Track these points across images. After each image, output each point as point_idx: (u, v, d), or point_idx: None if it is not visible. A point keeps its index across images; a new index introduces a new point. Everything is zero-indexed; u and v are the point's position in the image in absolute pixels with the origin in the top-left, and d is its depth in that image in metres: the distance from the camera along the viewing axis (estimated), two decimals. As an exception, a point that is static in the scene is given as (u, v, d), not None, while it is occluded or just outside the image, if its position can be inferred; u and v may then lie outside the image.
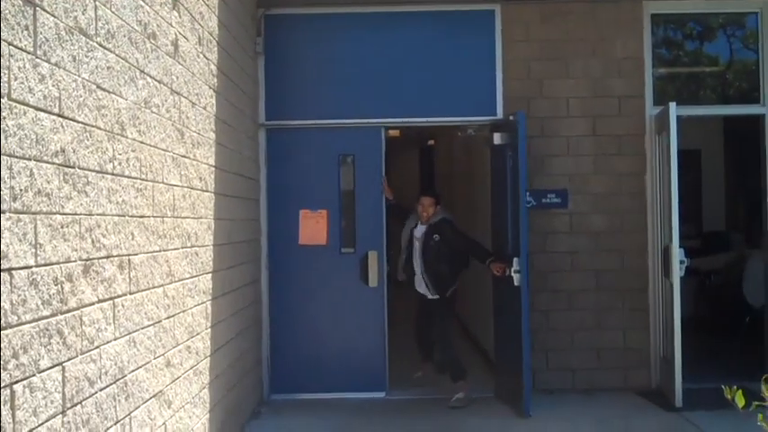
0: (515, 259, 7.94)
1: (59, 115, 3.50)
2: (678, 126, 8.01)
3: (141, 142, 4.62)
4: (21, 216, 3.14)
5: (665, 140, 8.24)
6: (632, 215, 8.92)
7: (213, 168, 6.42)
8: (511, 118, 8.24)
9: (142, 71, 4.64)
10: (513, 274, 7.95)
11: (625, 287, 8.90)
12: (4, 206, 3.02)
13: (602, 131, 8.94)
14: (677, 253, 7.97)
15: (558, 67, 8.95)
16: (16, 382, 3.10)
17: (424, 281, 8.57)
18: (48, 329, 3.38)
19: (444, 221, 8.57)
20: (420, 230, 8.64)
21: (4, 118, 3.01)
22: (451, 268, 8.54)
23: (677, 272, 7.97)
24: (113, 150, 4.17)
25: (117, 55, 4.22)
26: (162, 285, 5.01)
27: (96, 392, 3.91)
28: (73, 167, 3.64)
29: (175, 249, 5.32)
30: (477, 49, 8.96)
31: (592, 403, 8.34)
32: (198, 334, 5.89)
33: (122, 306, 4.29)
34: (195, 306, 5.82)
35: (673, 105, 8.05)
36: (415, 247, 8.67)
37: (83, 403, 3.74)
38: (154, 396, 4.81)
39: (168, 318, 5.13)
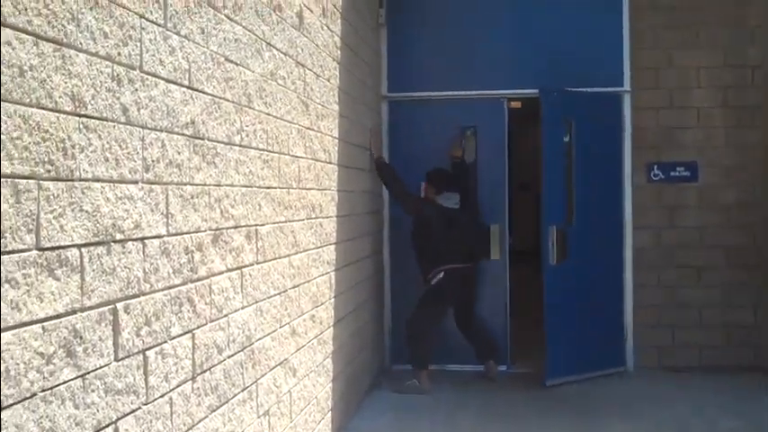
0: None
1: (189, 87, 3.56)
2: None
3: (267, 114, 4.67)
4: (153, 186, 3.21)
5: (801, 111, 7.92)
6: (764, 188, 8.58)
7: (337, 140, 6.46)
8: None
9: (268, 43, 4.68)
10: None
11: (756, 263, 8.59)
12: (138, 176, 3.09)
13: (734, 102, 8.63)
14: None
15: (688, 35, 8.66)
16: (149, 348, 3.18)
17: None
18: (179, 297, 3.46)
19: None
20: None
21: (137, 90, 3.08)
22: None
23: (814, 247, 7.66)
24: (241, 122, 4.23)
25: (244, 27, 4.26)
26: (288, 255, 5.07)
27: (225, 359, 3.99)
28: (202, 139, 3.71)
29: (300, 220, 5.38)
30: (603, 17, 8.75)
31: (718, 381, 8.11)
32: (322, 304, 5.95)
33: (250, 275, 4.36)
34: (319, 276, 5.88)
35: (810, 74, 7.74)
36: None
37: (212, 370, 3.82)
38: (279, 364, 4.89)
39: (294, 287, 5.20)
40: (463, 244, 8.22)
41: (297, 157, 5.29)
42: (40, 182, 2.44)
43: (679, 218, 8.67)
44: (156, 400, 3.23)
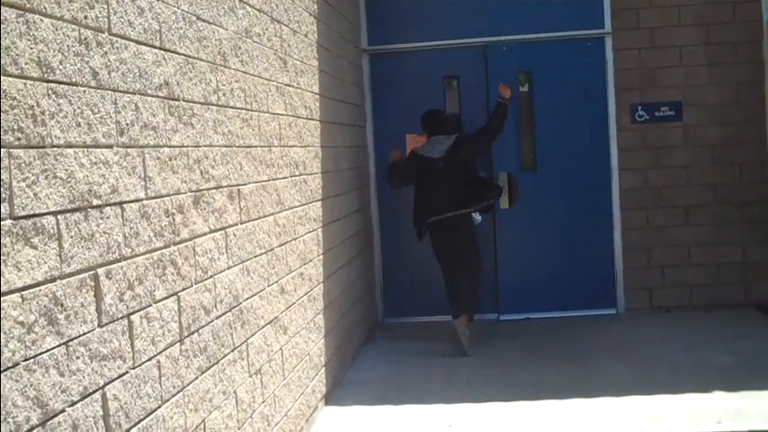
0: None
1: (161, 48, 3.52)
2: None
3: (244, 72, 4.63)
4: (128, 150, 3.18)
5: (784, 45, 7.89)
6: (750, 125, 8.55)
7: (318, 96, 6.41)
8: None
9: (241, 0, 4.62)
10: None
11: (743, 200, 8.59)
12: (113, 140, 3.06)
13: (716, 40, 8.56)
14: (800, 162, 7.66)
15: (667, -27, 8.58)
16: (133, 312, 3.17)
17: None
18: (162, 260, 3.44)
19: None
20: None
21: (107, 53, 3.03)
22: None
23: (800, 182, 7.67)
24: (217, 81, 4.19)
25: (215, -15, 4.21)
26: (272, 214, 5.06)
27: (212, 321, 3.99)
28: (177, 100, 3.67)
29: (284, 178, 5.35)
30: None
31: (709, 319, 8.15)
32: (310, 261, 5.95)
33: (234, 235, 4.35)
34: (306, 233, 5.87)
35: (793, 7, 7.69)
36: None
37: (200, 331, 3.82)
38: (269, 323, 4.89)
39: (280, 246, 5.19)
40: (444, 193, 7.71)
41: (277, 114, 5.25)
42: (11, 150, 2.42)
43: (665, 158, 8.65)
44: (143, 363, 3.23)
